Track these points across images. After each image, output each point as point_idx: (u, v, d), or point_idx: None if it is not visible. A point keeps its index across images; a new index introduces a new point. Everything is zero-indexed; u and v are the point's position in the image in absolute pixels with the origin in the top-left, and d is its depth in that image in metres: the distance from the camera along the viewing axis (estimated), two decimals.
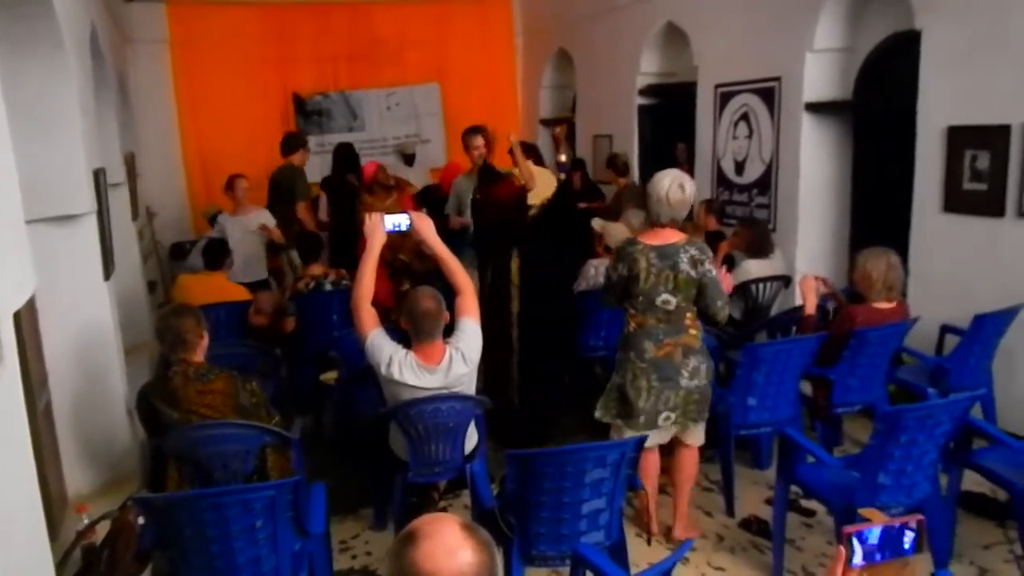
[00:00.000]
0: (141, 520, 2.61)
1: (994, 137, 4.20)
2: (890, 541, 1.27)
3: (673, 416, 3.30)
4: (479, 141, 4.97)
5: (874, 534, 1.26)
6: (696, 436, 3.43)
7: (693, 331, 3.32)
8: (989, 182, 4.27)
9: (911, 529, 1.27)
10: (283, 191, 6.33)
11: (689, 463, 3.48)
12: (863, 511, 1.36)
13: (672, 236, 3.28)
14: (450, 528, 1.24)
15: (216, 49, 8.39)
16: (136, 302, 5.31)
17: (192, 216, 8.52)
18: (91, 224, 3.56)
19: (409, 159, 8.27)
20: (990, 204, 4.27)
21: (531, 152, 6.60)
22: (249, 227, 6.01)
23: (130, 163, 6.13)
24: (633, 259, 3.25)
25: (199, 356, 3.12)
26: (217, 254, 5.07)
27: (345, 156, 6.81)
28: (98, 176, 3.75)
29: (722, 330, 4.27)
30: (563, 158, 7.98)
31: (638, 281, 3.25)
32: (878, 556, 1.27)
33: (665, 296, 3.24)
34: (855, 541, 1.25)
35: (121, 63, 6.93)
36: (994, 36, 4.17)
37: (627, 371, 3.31)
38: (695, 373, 3.29)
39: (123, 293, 4.61)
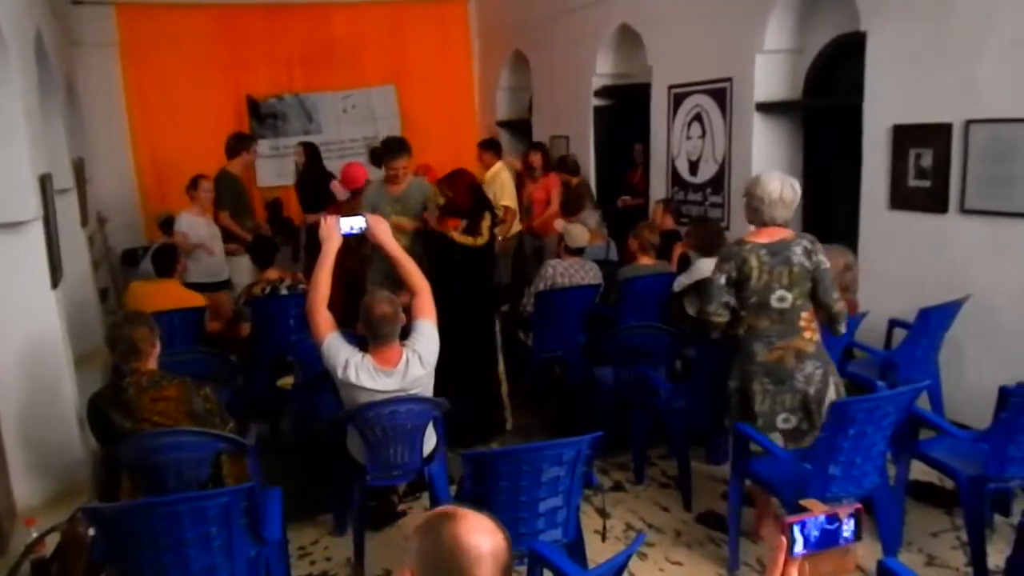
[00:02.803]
0: (91, 531, 2.57)
1: (936, 136, 4.32)
2: (830, 530, 1.30)
3: (794, 419, 3.22)
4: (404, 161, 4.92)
5: (814, 524, 1.30)
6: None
7: (808, 334, 3.21)
8: (932, 180, 4.40)
9: (851, 517, 1.31)
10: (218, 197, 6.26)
11: None
12: (804, 502, 1.38)
13: (780, 234, 3.22)
14: (482, 515, 1.31)
15: (167, 52, 8.25)
16: (87, 310, 5.20)
17: (145, 221, 8.36)
18: (37, 231, 3.48)
19: (379, 159, 8.18)
20: (934, 201, 4.40)
21: (492, 147, 6.64)
22: (211, 227, 5.92)
23: (79, 168, 5.99)
24: (742, 258, 3.18)
25: (152, 364, 3.07)
26: (168, 260, 4.98)
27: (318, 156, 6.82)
28: (44, 182, 3.67)
29: (678, 328, 4.33)
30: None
31: (750, 281, 3.17)
32: (819, 544, 1.31)
33: (780, 292, 3.17)
34: (796, 531, 1.29)
35: (69, 67, 6.77)
36: (935, 38, 4.30)
37: (740, 374, 3.27)
38: (811, 379, 3.20)
39: (73, 301, 4.51)
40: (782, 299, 3.19)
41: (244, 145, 6.50)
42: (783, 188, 3.21)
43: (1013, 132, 3.98)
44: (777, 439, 3.23)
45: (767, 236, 3.23)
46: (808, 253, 3.20)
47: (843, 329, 3.31)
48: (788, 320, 3.21)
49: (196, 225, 5.85)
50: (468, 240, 4.50)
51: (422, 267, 3.51)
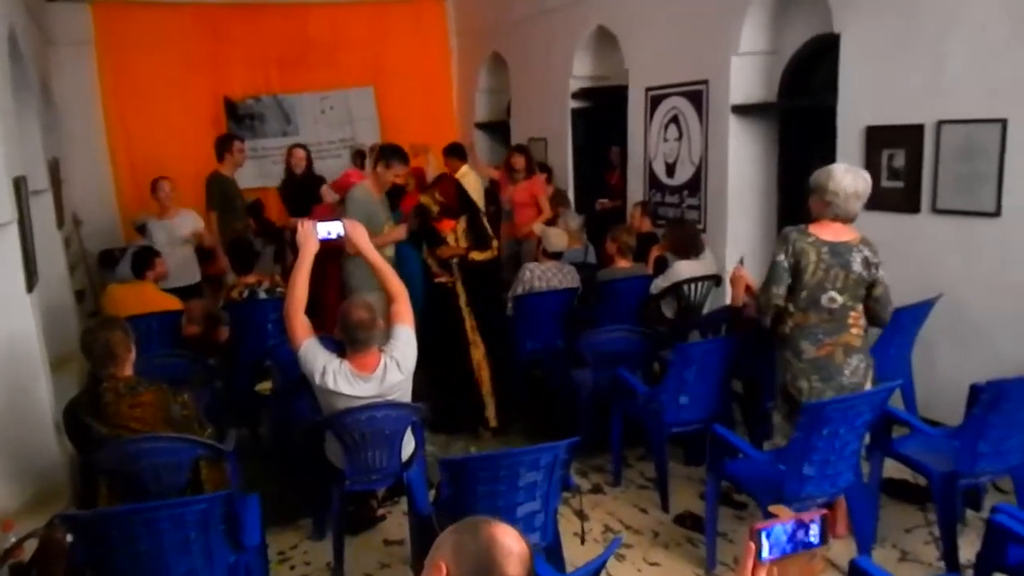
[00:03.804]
0: (70, 537, 2.56)
1: (908, 136, 4.39)
2: (797, 535, 1.34)
3: None
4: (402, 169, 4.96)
5: (781, 529, 1.33)
6: None
7: (855, 329, 3.23)
8: (905, 180, 4.46)
9: (816, 522, 1.34)
10: (208, 198, 6.27)
11: None
12: (772, 508, 1.42)
13: (845, 234, 3.18)
14: (507, 525, 1.40)
15: (144, 51, 8.15)
16: (64, 312, 5.16)
17: (122, 222, 8.27)
18: (11, 234, 3.46)
19: (362, 161, 8.15)
20: (907, 201, 4.47)
21: (455, 154, 6.64)
22: (175, 231, 5.88)
23: (54, 169, 5.94)
24: (802, 250, 3.13)
25: (128, 370, 3.05)
26: (143, 262, 4.94)
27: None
28: (18, 184, 3.64)
29: (654, 330, 4.37)
30: None
31: (804, 274, 3.13)
32: (786, 549, 1.34)
33: (832, 294, 3.15)
34: (763, 537, 1.32)
35: (44, 66, 6.70)
36: (906, 40, 4.37)
37: (787, 371, 3.27)
38: (856, 372, 3.23)
39: (49, 303, 4.47)
40: (832, 300, 3.18)
41: (226, 146, 6.46)
42: (857, 181, 3.15)
43: (981, 132, 4.05)
44: None
45: (832, 233, 3.17)
46: (868, 264, 3.17)
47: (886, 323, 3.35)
48: (838, 318, 3.21)
49: (155, 229, 5.83)
50: (485, 255, 4.87)
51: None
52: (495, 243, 5.05)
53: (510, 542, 1.35)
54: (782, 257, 3.18)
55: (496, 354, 4.90)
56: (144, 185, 8.04)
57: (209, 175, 6.31)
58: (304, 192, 6.54)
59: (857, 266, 3.16)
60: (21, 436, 3.45)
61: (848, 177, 3.15)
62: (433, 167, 5.72)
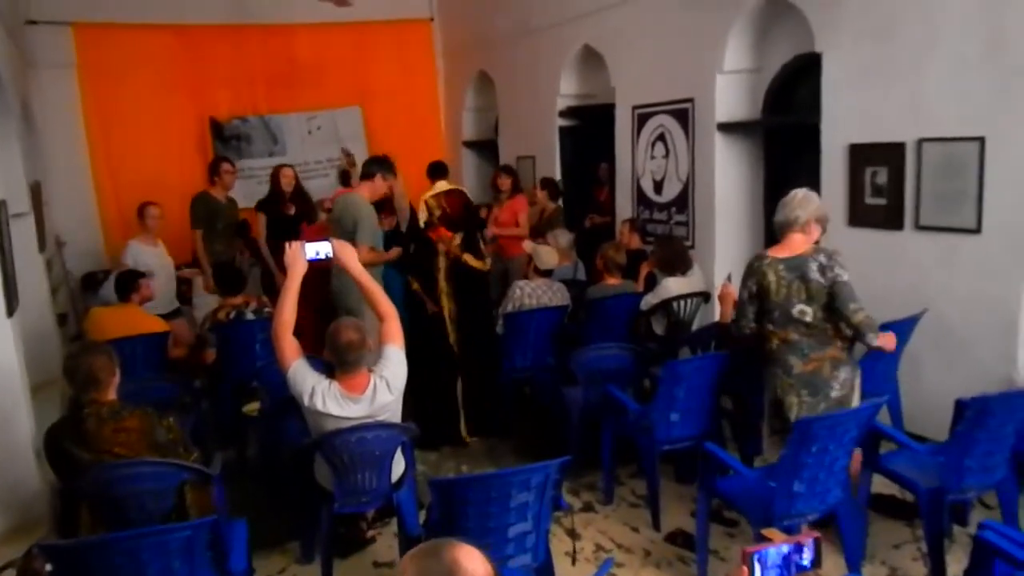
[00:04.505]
0: (49, 567, 2.51)
1: (891, 154, 4.44)
2: (789, 558, 1.33)
3: None
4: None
5: (774, 553, 1.32)
6: None
7: (839, 342, 3.35)
8: (888, 197, 4.51)
9: (809, 545, 1.33)
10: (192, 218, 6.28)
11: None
12: (764, 531, 1.41)
13: (800, 247, 3.35)
14: (472, 547, 1.37)
15: (127, 73, 8.12)
16: (45, 336, 5.10)
17: (105, 245, 8.20)
18: None
19: (346, 180, 8.14)
20: (890, 218, 4.51)
21: (437, 173, 6.66)
22: (161, 257, 5.84)
23: (36, 192, 5.89)
24: (762, 272, 3.33)
25: (112, 394, 3.02)
26: (128, 285, 4.90)
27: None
28: None
29: (644, 346, 4.37)
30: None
31: (769, 294, 3.31)
32: (778, 573, 1.33)
33: (800, 307, 3.30)
34: (756, 561, 1.31)
35: (24, 88, 6.66)
36: (885, 59, 4.43)
37: (776, 387, 3.36)
38: (844, 384, 3.34)
39: (31, 328, 4.42)
40: (803, 312, 3.31)
41: (213, 168, 6.48)
42: (789, 195, 3.41)
43: (961, 150, 4.10)
44: None
45: (787, 250, 3.37)
46: (823, 269, 3.30)
47: (873, 340, 3.30)
48: (819, 331, 3.32)
49: (143, 254, 5.76)
50: (478, 264, 4.96)
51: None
52: (488, 260, 5.15)
53: (474, 566, 1.32)
54: (743, 291, 3.41)
55: (478, 369, 4.90)
56: (127, 207, 8.03)
57: (196, 195, 6.31)
58: (291, 217, 6.48)
59: (814, 274, 3.29)
60: (0, 464, 3.39)
61: (800, 193, 3.41)
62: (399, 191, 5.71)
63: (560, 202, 7.07)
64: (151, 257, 5.79)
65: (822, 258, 3.32)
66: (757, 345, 3.47)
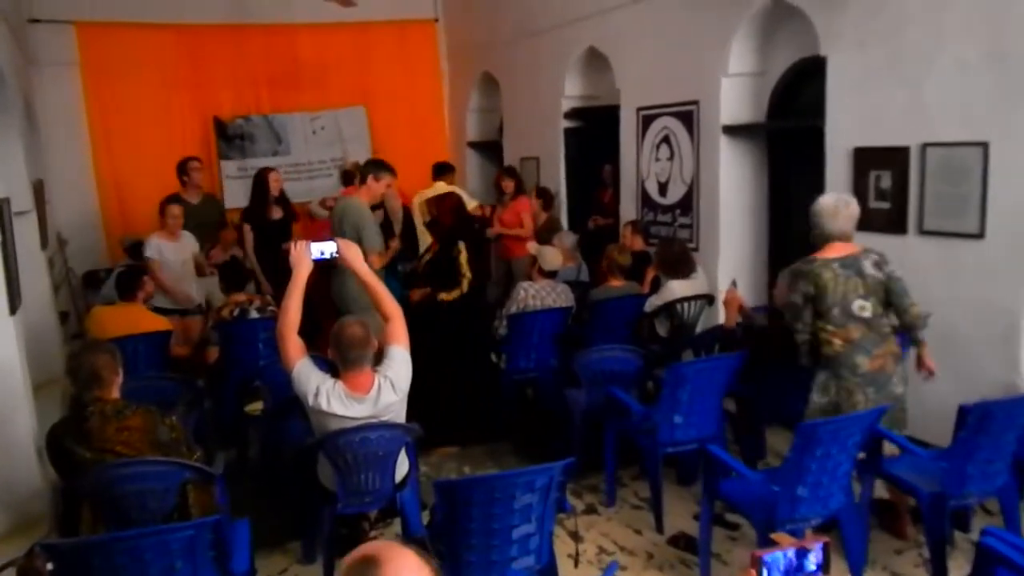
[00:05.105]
0: (50, 566, 2.50)
1: (894, 158, 4.43)
2: (798, 562, 1.32)
3: (887, 426, 3.35)
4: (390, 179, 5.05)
5: (783, 557, 1.32)
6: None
7: (895, 338, 3.40)
8: (892, 201, 4.50)
9: (816, 551, 1.33)
10: None
11: None
12: (774, 535, 1.41)
13: (847, 249, 3.39)
14: (406, 552, 1.25)
15: (130, 71, 8.12)
16: (47, 334, 5.10)
17: (107, 243, 8.21)
18: None
19: (349, 180, 8.13)
20: (894, 222, 4.49)
21: (442, 173, 6.67)
22: (180, 253, 5.84)
23: (38, 190, 5.89)
24: (816, 273, 3.34)
25: (115, 393, 3.01)
26: (131, 283, 4.90)
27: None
28: (1, 207, 3.60)
29: (647, 348, 4.37)
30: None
31: (827, 293, 3.31)
32: None
33: (859, 302, 3.32)
34: (764, 564, 1.30)
35: (27, 87, 6.66)
36: (889, 62, 4.42)
37: (839, 389, 3.35)
38: (901, 380, 3.41)
39: (32, 326, 4.41)
40: (862, 308, 3.33)
41: (181, 169, 6.47)
42: (838, 202, 3.43)
43: (964, 155, 4.08)
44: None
45: (835, 251, 3.39)
46: (878, 265, 3.38)
47: (923, 335, 3.44)
48: (877, 328, 3.35)
49: (163, 250, 5.77)
50: (452, 295, 4.90)
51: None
52: (465, 280, 4.95)
53: None
54: (795, 296, 3.39)
55: (469, 374, 4.92)
56: (130, 205, 8.06)
57: (163, 199, 6.29)
58: (275, 222, 6.42)
59: (870, 269, 3.35)
60: (1, 463, 3.39)
61: (830, 199, 3.46)
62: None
63: (561, 210, 7.08)
64: (171, 252, 5.78)
65: (874, 256, 3.39)
66: (810, 350, 3.43)
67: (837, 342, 3.36)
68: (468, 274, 4.95)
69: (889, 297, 3.38)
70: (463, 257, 4.95)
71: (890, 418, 3.34)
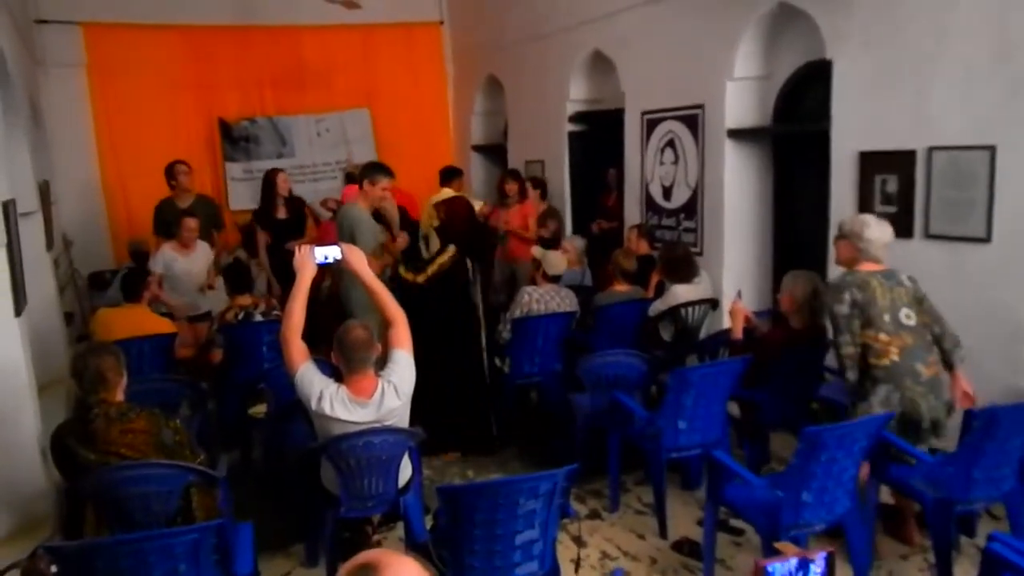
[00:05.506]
0: (54, 568, 2.50)
1: (900, 162, 4.41)
2: (802, 572, 1.31)
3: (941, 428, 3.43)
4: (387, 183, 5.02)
5: (786, 567, 1.31)
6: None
7: (936, 348, 3.48)
8: (898, 205, 4.48)
9: (820, 561, 1.32)
10: None
11: None
12: (778, 544, 1.40)
13: (882, 266, 3.50)
14: (406, 560, 1.23)
15: (137, 73, 8.15)
16: (52, 336, 5.10)
17: (112, 244, 8.23)
18: (0, 259, 3.42)
19: (356, 182, 8.13)
20: (900, 226, 4.44)
21: (450, 177, 6.66)
22: (194, 265, 5.85)
23: (44, 190, 5.90)
24: (863, 282, 3.40)
25: (119, 395, 3.02)
26: (135, 285, 4.90)
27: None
28: (7, 208, 3.61)
29: (651, 353, 4.35)
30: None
31: (876, 300, 3.36)
32: None
33: (906, 310, 3.39)
34: (768, 574, 1.30)
35: (33, 87, 6.68)
36: (894, 66, 4.40)
37: (903, 400, 3.33)
38: (949, 387, 3.45)
39: (37, 327, 4.42)
40: (908, 316, 3.40)
41: (168, 173, 6.43)
42: (884, 232, 3.54)
43: (971, 159, 4.07)
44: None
45: (873, 267, 3.50)
46: (911, 279, 3.51)
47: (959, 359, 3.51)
48: (923, 336, 3.41)
49: (173, 264, 5.78)
50: (409, 276, 4.77)
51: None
52: (430, 269, 4.77)
53: None
54: (841, 306, 3.41)
55: (469, 378, 4.86)
56: (135, 206, 8.07)
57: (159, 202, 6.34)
58: (283, 221, 6.43)
59: (907, 282, 3.49)
60: (5, 464, 3.39)
61: (878, 229, 3.53)
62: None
63: (564, 214, 7.07)
64: (182, 265, 5.80)
65: (903, 273, 3.51)
66: (856, 364, 3.40)
67: (894, 350, 3.36)
68: (429, 272, 4.76)
69: (923, 305, 3.47)
70: (439, 261, 4.80)
71: (938, 423, 3.40)
